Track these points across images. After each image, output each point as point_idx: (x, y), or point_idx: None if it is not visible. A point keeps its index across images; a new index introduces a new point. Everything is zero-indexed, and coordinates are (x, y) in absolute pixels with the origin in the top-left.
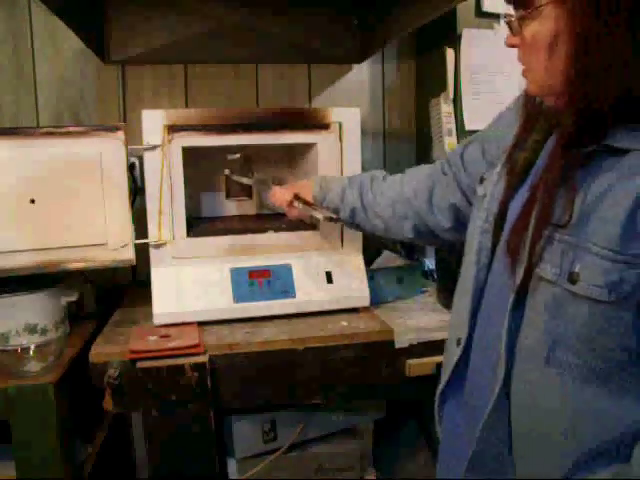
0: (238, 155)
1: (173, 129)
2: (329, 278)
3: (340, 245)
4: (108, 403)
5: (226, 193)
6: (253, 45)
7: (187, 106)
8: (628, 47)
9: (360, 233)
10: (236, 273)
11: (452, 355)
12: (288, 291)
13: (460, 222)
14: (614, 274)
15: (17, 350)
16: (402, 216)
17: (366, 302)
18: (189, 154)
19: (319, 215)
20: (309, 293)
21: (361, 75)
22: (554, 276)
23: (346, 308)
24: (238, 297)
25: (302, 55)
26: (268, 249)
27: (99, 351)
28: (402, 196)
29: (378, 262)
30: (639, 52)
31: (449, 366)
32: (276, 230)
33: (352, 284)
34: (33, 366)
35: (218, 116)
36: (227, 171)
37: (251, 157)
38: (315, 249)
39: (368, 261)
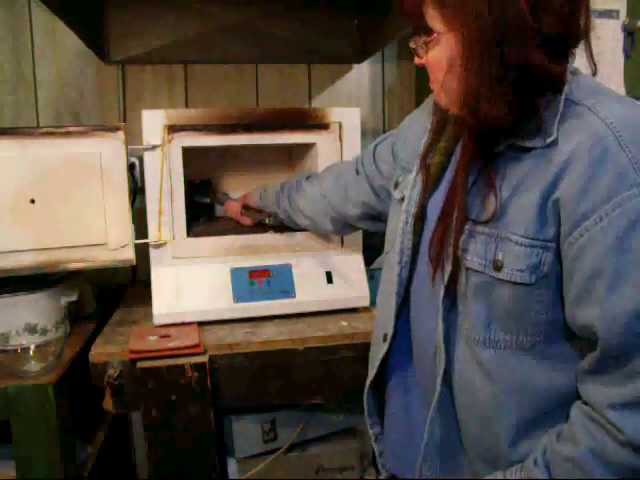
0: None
1: (173, 129)
2: (329, 278)
3: (340, 245)
4: (108, 403)
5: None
6: (253, 45)
7: (187, 106)
8: (500, 72)
9: (360, 233)
10: (236, 273)
11: (378, 351)
12: (288, 291)
13: (372, 213)
14: (533, 258)
15: (17, 350)
16: (322, 212)
17: (366, 302)
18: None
19: (266, 220)
20: (309, 293)
21: (361, 75)
22: (480, 266)
23: (346, 308)
24: (238, 297)
25: (302, 55)
26: (268, 249)
27: (99, 351)
28: (320, 194)
29: (378, 262)
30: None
31: (376, 360)
32: (276, 230)
33: (352, 284)
34: (33, 366)
35: (218, 116)
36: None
37: (210, 180)
38: (315, 249)
39: (368, 261)
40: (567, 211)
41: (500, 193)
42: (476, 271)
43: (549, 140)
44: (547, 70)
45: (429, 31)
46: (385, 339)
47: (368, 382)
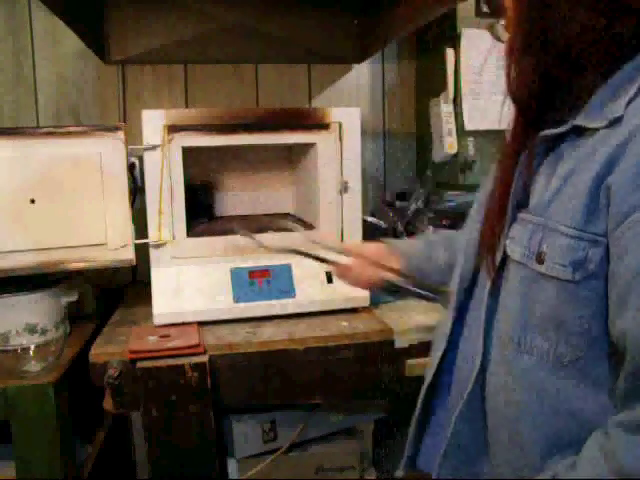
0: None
1: (173, 129)
2: (329, 278)
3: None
4: (108, 403)
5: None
6: (253, 45)
7: (187, 106)
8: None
9: (360, 233)
10: (236, 273)
11: (438, 349)
12: (288, 291)
13: None
14: (578, 252)
15: (17, 350)
16: None
17: (366, 302)
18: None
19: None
20: (309, 293)
21: (361, 75)
22: (522, 257)
23: (346, 308)
24: (238, 297)
25: (302, 55)
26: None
27: (99, 351)
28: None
29: None
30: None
31: (435, 359)
32: (276, 230)
33: None
34: (33, 366)
35: (218, 116)
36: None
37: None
38: (315, 249)
39: None
40: (616, 201)
41: (554, 179)
42: (518, 262)
43: (612, 117)
44: (601, 30)
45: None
46: (444, 338)
47: (428, 381)
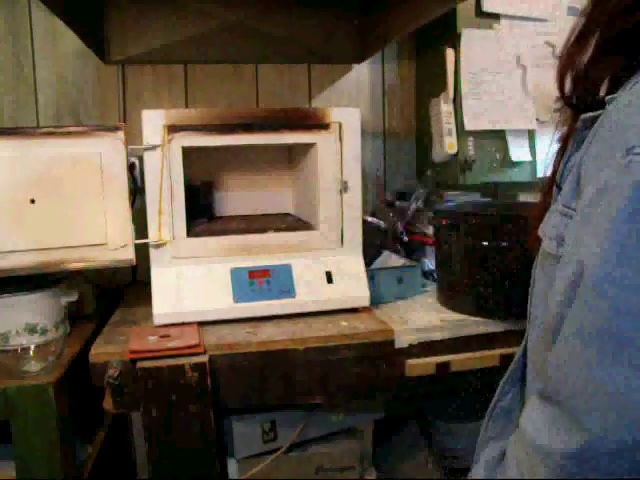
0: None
1: (173, 129)
2: (329, 278)
3: (340, 245)
4: (108, 403)
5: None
6: (253, 45)
7: (187, 106)
8: None
9: (360, 233)
10: (236, 273)
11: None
12: (288, 291)
13: None
14: (561, 228)
15: (17, 350)
16: None
17: (366, 302)
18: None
19: None
20: (309, 293)
21: (361, 75)
22: (540, 232)
23: (346, 308)
24: (238, 297)
25: (302, 55)
26: (268, 249)
27: (99, 351)
28: None
29: (378, 262)
30: None
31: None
32: (276, 230)
33: (352, 284)
34: (33, 366)
35: (218, 116)
36: None
37: (211, 183)
38: (315, 249)
39: (368, 261)
40: (580, 182)
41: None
42: (547, 253)
43: (609, 98)
44: None
45: None
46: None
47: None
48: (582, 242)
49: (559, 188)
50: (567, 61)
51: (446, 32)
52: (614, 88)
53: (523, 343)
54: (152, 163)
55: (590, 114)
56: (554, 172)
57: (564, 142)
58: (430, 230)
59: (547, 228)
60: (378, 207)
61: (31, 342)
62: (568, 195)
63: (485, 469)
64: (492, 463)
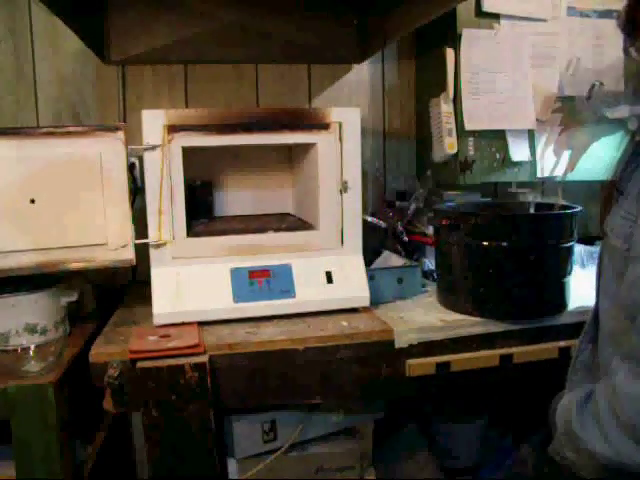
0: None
1: (173, 129)
2: (329, 278)
3: (340, 245)
4: (108, 403)
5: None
6: (253, 45)
7: (187, 106)
8: None
9: (360, 233)
10: (236, 273)
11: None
12: (288, 291)
13: None
14: (626, 228)
15: (17, 350)
16: None
17: (366, 302)
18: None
19: None
20: (309, 293)
21: (361, 75)
22: (607, 228)
23: (346, 308)
24: (238, 297)
25: (302, 55)
26: (268, 249)
27: (99, 351)
28: None
29: (378, 262)
30: None
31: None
32: (276, 230)
33: (352, 284)
34: (33, 366)
35: (218, 116)
36: None
37: (211, 182)
38: (315, 249)
39: (368, 261)
40: None
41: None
42: (607, 232)
43: None
44: None
45: None
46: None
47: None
48: None
49: (619, 191)
50: None
51: (446, 32)
52: None
53: (593, 310)
54: (152, 163)
55: None
56: (615, 177)
57: (627, 150)
58: (430, 230)
59: (614, 227)
60: (378, 207)
61: (31, 342)
62: (632, 203)
63: (576, 406)
64: (580, 402)
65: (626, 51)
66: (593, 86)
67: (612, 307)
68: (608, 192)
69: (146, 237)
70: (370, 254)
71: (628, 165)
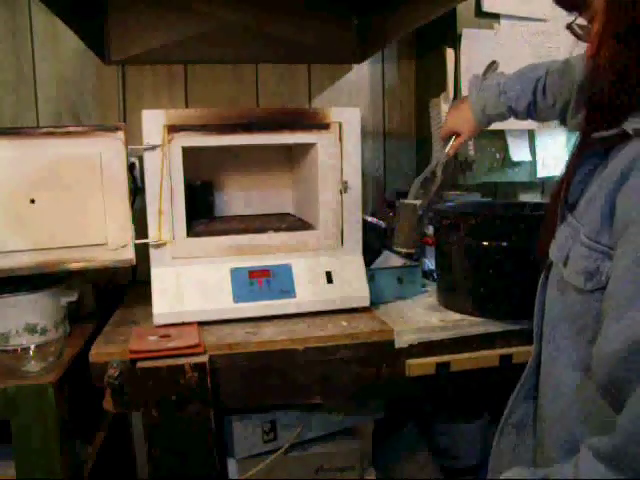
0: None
1: (173, 129)
2: (329, 278)
3: (340, 245)
4: (108, 403)
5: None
6: (253, 45)
7: (187, 106)
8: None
9: (360, 233)
10: (236, 273)
11: None
12: (288, 291)
13: None
14: (591, 263)
15: (17, 350)
16: None
17: (366, 302)
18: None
19: None
20: (309, 293)
21: (361, 75)
22: (556, 258)
23: (346, 308)
24: (238, 297)
25: (302, 55)
26: (268, 249)
27: (99, 351)
28: None
29: (378, 262)
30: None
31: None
32: (276, 230)
33: (352, 284)
34: (33, 366)
35: (218, 116)
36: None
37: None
38: (315, 249)
39: (368, 261)
40: (619, 214)
41: (594, 184)
42: (555, 262)
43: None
44: None
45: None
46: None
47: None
48: (635, 306)
49: (568, 206)
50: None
51: (446, 32)
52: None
53: (533, 361)
54: (152, 163)
55: (605, 133)
56: (559, 192)
57: (572, 161)
58: (430, 230)
59: (569, 258)
60: (378, 207)
61: (31, 342)
62: (595, 227)
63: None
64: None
65: (569, 27)
66: (491, 64)
67: (573, 370)
68: (554, 208)
69: (146, 237)
70: (370, 254)
71: (577, 170)
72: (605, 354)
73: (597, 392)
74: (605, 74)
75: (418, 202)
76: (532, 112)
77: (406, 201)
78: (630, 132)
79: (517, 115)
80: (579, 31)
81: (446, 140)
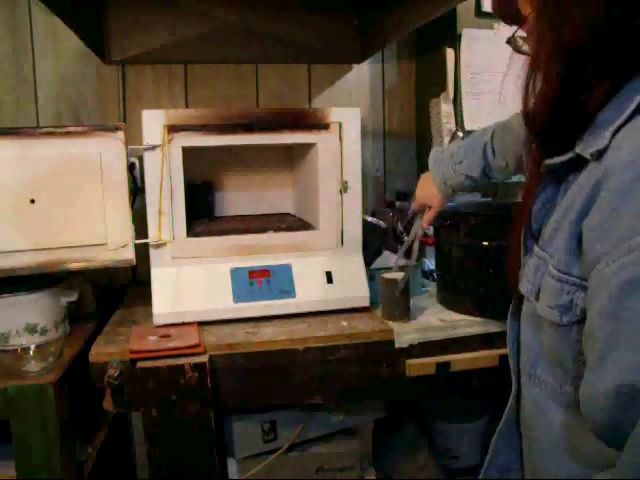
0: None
1: (173, 129)
2: (329, 278)
3: (340, 245)
4: (108, 403)
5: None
6: (253, 45)
7: (187, 106)
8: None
9: (360, 233)
10: (236, 273)
11: None
12: (288, 291)
13: None
14: (564, 296)
15: (17, 350)
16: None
17: (366, 302)
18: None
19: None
20: (309, 293)
21: (361, 75)
22: (527, 292)
23: (346, 308)
24: (238, 297)
25: (302, 55)
26: (268, 249)
27: (99, 351)
28: None
29: (378, 262)
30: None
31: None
32: (276, 230)
33: (352, 284)
34: (33, 366)
35: (218, 116)
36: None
37: (211, 182)
38: (315, 249)
39: (368, 261)
40: (586, 247)
41: (556, 212)
42: (527, 297)
43: (596, 149)
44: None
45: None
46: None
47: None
48: (618, 346)
49: (532, 234)
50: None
51: (446, 32)
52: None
53: (513, 400)
54: (152, 163)
55: (556, 160)
56: (520, 223)
57: (531, 189)
58: (430, 230)
59: (535, 289)
60: (378, 207)
61: (31, 342)
62: (564, 258)
63: None
64: None
65: (511, 41)
66: (454, 134)
67: (560, 405)
68: (517, 237)
69: (146, 237)
70: (370, 254)
71: (537, 198)
72: (592, 397)
73: (589, 431)
74: (542, 97)
75: (400, 276)
76: (490, 175)
77: (387, 276)
78: (587, 156)
79: (477, 181)
80: (521, 44)
81: (420, 213)
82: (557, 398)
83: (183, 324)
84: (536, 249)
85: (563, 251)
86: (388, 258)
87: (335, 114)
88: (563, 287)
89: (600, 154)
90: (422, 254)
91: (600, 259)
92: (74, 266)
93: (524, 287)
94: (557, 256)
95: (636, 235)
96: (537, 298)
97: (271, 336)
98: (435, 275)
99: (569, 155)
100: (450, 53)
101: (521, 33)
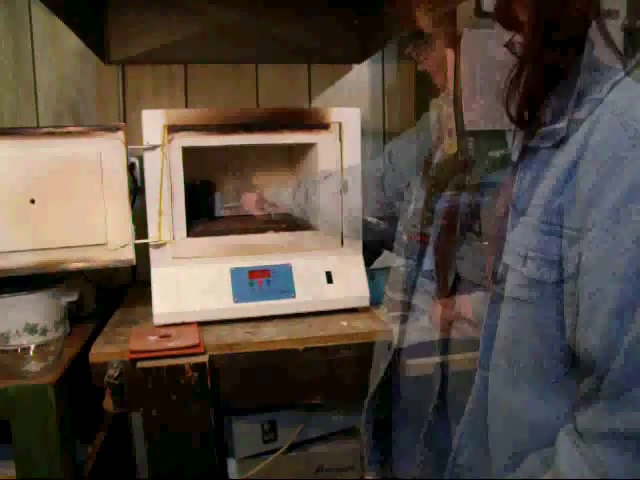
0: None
1: (173, 129)
2: (329, 278)
3: (340, 245)
4: (108, 403)
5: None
6: (253, 45)
7: (187, 106)
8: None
9: (360, 233)
10: (236, 273)
11: None
12: (288, 291)
13: None
14: (554, 249)
15: (17, 350)
16: None
17: (366, 302)
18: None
19: None
20: (309, 293)
21: (361, 75)
22: (513, 260)
23: (346, 308)
24: (238, 297)
25: (302, 55)
26: (268, 249)
27: (99, 351)
28: None
29: (378, 262)
30: None
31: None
32: (276, 230)
33: (352, 284)
34: (33, 366)
35: (218, 116)
36: None
37: (211, 182)
38: (315, 249)
39: (368, 261)
40: (580, 193)
41: (540, 184)
42: (512, 268)
43: (559, 137)
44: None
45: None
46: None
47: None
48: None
49: (517, 212)
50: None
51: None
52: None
53: (475, 393)
54: (152, 163)
55: (552, 127)
56: (508, 199)
57: (517, 168)
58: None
59: (522, 254)
60: (378, 207)
61: (31, 342)
62: (554, 210)
63: None
64: None
65: (508, 45)
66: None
67: (538, 398)
68: (502, 218)
69: (146, 237)
70: (370, 254)
71: (518, 175)
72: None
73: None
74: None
75: None
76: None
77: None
78: (582, 117)
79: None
80: (519, 49)
81: None
82: (509, 378)
83: (183, 324)
84: (522, 220)
85: (552, 204)
86: (388, 258)
87: (335, 114)
88: (552, 240)
89: (562, 141)
90: (422, 254)
91: (596, 198)
92: (74, 266)
93: (510, 258)
94: (546, 213)
95: None
96: (524, 263)
97: (271, 336)
98: (435, 275)
99: (565, 122)
100: (450, 53)
101: (519, 39)
